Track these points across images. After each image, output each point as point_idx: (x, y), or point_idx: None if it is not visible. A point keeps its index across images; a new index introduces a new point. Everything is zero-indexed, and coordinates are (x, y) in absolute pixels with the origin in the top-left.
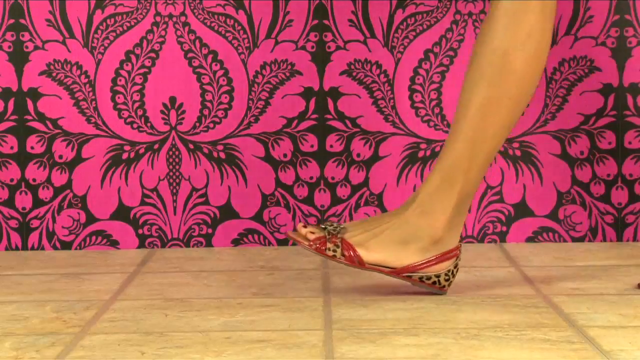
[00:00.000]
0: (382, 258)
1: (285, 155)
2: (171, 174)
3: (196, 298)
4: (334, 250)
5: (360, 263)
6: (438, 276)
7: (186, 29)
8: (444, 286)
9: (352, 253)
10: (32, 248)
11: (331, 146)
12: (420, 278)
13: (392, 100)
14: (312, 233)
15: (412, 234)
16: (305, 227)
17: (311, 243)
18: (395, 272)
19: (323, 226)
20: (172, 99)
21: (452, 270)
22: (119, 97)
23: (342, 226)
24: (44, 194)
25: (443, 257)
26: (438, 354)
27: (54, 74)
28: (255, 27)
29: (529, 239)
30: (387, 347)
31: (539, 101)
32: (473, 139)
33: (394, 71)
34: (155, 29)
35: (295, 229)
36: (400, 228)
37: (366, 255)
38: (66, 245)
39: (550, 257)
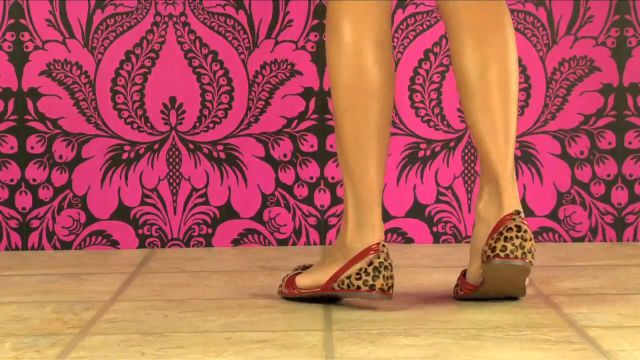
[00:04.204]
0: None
1: (285, 155)
2: (171, 174)
3: (196, 299)
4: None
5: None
6: (349, 277)
7: (186, 29)
8: (358, 287)
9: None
10: (32, 248)
11: (331, 146)
12: (338, 286)
13: None
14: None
15: (329, 255)
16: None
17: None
18: (322, 289)
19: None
20: (172, 99)
21: (365, 269)
22: (119, 97)
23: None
24: (44, 194)
25: (350, 263)
26: (438, 354)
27: (54, 74)
28: (255, 27)
29: None
30: (387, 347)
31: (539, 101)
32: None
33: (394, 71)
34: (155, 29)
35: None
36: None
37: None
38: (66, 245)
39: (550, 257)
